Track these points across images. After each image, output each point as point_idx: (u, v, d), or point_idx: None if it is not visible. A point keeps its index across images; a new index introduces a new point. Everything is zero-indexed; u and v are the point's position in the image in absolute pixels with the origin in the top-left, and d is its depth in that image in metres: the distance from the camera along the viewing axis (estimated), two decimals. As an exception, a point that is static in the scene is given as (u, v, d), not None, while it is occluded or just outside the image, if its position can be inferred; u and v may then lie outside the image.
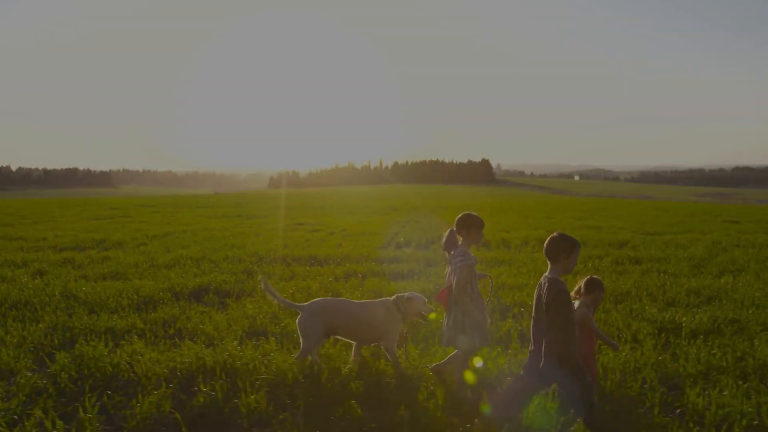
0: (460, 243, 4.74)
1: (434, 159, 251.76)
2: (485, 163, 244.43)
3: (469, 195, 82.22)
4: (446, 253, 4.78)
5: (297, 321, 5.22)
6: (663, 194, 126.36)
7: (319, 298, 5.41)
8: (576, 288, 4.84)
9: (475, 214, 4.78)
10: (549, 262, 3.99)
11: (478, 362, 4.52)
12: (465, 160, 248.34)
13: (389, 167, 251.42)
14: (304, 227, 21.76)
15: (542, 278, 4.01)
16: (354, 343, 5.37)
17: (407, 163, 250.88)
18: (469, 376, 4.38)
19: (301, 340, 5.16)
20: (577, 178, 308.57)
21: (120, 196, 68.31)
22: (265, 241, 15.96)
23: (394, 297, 5.31)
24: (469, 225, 4.72)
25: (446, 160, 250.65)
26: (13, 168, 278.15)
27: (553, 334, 3.83)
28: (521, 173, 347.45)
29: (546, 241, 4.01)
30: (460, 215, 4.80)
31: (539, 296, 3.98)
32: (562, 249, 3.93)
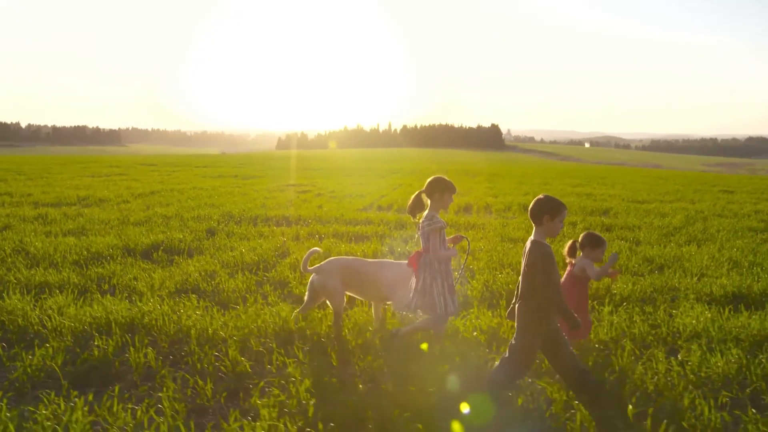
0: (428, 207, 4.69)
1: (444, 123, 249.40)
2: (495, 128, 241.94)
3: (473, 160, 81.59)
4: (412, 217, 4.72)
5: (311, 281, 5.18)
6: (672, 163, 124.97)
7: (333, 258, 5.35)
8: (570, 244, 4.76)
9: (446, 178, 4.70)
10: (533, 225, 3.90)
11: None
12: (475, 125, 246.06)
13: (398, 130, 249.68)
14: (294, 188, 21.75)
15: (527, 241, 3.93)
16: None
17: (416, 126, 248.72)
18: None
19: (306, 298, 5.19)
20: (587, 145, 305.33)
21: (125, 155, 68.51)
22: (246, 201, 15.97)
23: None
24: (442, 189, 4.65)
25: (456, 125, 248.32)
26: (23, 125, 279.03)
27: (530, 295, 3.76)
28: (531, 139, 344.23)
29: (531, 203, 3.93)
30: (430, 178, 4.71)
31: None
32: (546, 211, 3.83)
